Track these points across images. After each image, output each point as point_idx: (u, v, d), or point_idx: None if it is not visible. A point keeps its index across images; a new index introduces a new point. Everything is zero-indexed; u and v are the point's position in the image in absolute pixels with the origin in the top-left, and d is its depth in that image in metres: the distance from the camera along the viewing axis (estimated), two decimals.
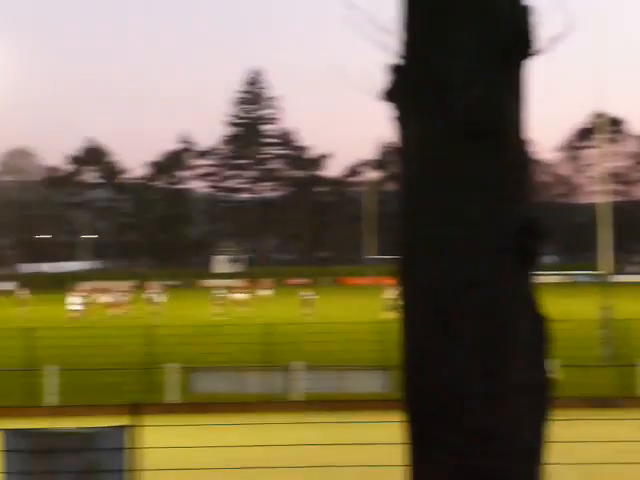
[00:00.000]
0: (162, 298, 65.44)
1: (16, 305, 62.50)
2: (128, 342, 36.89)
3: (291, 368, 27.42)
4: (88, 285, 78.61)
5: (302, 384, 27.03)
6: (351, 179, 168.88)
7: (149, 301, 62.83)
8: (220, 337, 41.49)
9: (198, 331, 45.45)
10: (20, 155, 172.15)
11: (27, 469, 13.79)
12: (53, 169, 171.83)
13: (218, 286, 66.30)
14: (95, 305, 61.28)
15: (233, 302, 63.18)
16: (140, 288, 67.11)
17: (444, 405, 4.57)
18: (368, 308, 56.37)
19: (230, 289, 66.37)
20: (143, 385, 27.27)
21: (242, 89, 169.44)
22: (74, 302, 57.97)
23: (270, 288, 76.27)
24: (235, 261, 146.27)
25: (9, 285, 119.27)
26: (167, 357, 29.73)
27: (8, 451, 13.90)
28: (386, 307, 53.53)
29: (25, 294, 63.80)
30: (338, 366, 28.70)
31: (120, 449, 13.71)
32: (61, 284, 71.71)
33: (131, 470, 13.70)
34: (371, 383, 26.96)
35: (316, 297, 64.21)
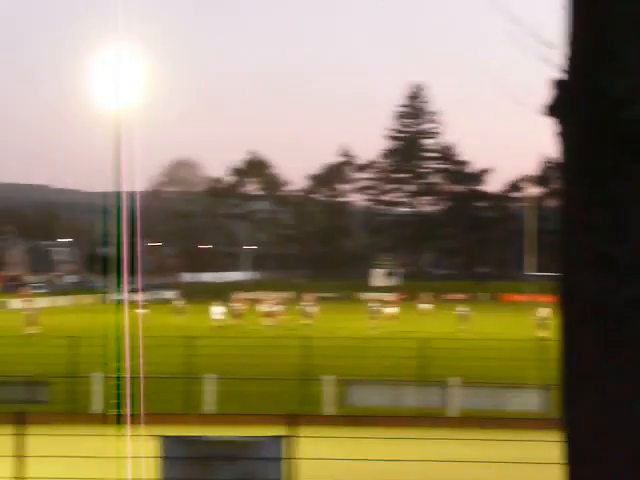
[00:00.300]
0: (315, 310, 65.85)
1: (173, 313, 63.85)
2: (284, 353, 37.27)
3: (448, 384, 27.23)
4: (245, 295, 79.73)
5: (458, 400, 26.81)
6: (512, 194, 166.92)
7: (303, 312, 63.33)
8: (376, 350, 41.55)
9: (354, 344, 45.60)
10: (184, 166, 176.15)
11: (183, 476, 14.02)
12: (216, 180, 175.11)
13: (374, 299, 66.34)
14: (249, 315, 62.05)
15: (388, 316, 63.10)
16: (296, 299, 67.56)
17: (605, 426, 4.48)
18: (526, 325, 55.54)
19: (386, 303, 66.27)
20: (299, 396, 27.48)
21: (403, 103, 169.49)
22: (218, 312, 58.85)
23: (429, 302, 76.00)
24: (392, 275, 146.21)
25: (171, 294, 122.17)
26: (323, 369, 29.88)
27: (165, 458, 14.16)
28: (544, 325, 52.64)
29: (181, 303, 65.09)
30: (495, 383, 28.39)
31: (277, 459, 13.83)
32: (220, 294, 72.77)
33: None
34: (528, 401, 26.56)
35: (472, 313, 63.62)
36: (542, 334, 48.07)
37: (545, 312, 55.48)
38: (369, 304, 62.33)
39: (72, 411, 26.99)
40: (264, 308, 62.12)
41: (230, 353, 38.91)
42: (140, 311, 62.03)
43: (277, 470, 13.83)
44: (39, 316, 54.23)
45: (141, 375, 29.63)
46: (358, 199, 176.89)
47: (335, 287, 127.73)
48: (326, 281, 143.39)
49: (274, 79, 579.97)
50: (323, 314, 72.26)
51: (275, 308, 62.95)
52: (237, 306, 61.77)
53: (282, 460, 13.87)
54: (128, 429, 18.17)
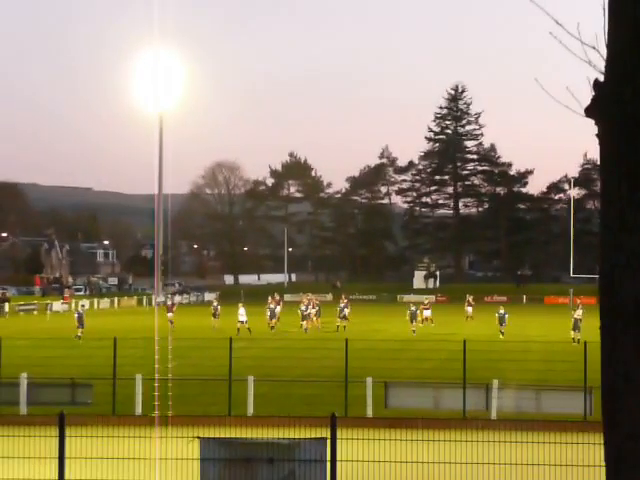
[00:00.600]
0: (350, 312, 65.89)
1: (211, 315, 63.92)
2: (322, 355, 37.27)
3: (489, 386, 27.13)
4: (282, 297, 79.79)
5: (500, 402, 26.70)
6: (553, 196, 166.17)
7: (341, 315, 63.35)
8: (415, 352, 41.44)
9: (393, 346, 45.52)
10: (225, 169, 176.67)
11: (224, 477, 14.05)
12: (256, 183, 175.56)
13: (413, 301, 66.22)
14: (286, 317, 62.07)
15: (427, 318, 62.88)
16: (333, 301, 67.56)
17: None
18: (567, 327, 55.20)
19: (425, 305, 66.09)
20: (340, 398, 27.48)
21: (444, 105, 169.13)
22: (243, 314, 58.84)
23: (469, 305, 75.72)
24: (431, 277, 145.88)
25: (210, 296, 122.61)
26: (363, 371, 29.87)
27: (205, 459, 14.21)
28: (581, 327, 52.26)
29: (216, 305, 65.08)
30: (536, 385, 28.26)
31: (318, 461, 13.83)
32: (258, 296, 72.99)
33: None
34: (569, 403, 26.38)
35: (511, 315, 63.33)
36: (583, 336, 47.75)
37: (586, 314, 55.07)
38: (408, 306, 62.12)
39: (114, 413, 27.15)
40: (301, 310, 62.07)
41: (269, 355, 38.98)
42: (171, 314, 62.26)
43: (318, 472, 13.83)
44: (84, 318, 54.50)
45: (181, 377, 29.79)
46: (399, 201, 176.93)
47: (375, 289, 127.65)
48: (366, 283, 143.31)
49: (314, 81, 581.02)
50: (360, 316, 72.18)
51: (312, 310, 62.91)
52: (273, 308, 61.72)
53: (323, 462, 13.87)
54: (168, 431, 18.26)
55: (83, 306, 63.32)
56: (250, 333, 55.11)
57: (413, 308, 60.13)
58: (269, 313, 61.49)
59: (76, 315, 55.76)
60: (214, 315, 62.99)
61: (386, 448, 17.14)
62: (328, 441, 13.92)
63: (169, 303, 66.33)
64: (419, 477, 16.51)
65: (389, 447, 16.86)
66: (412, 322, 58.62)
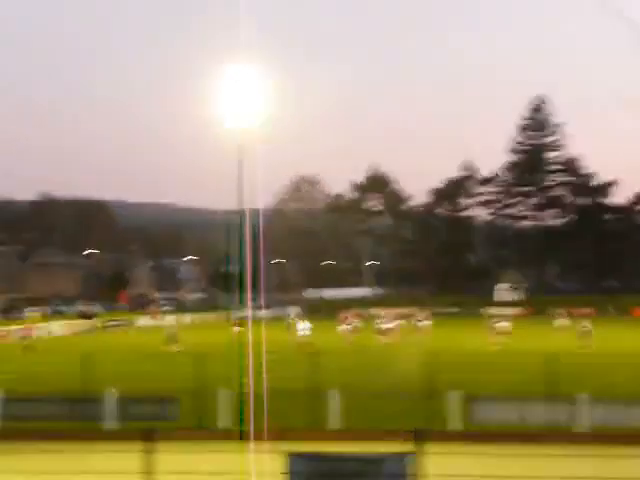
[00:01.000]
0: (429, 325, 65.61)
1: (293, 329, 64.08)
2: (407, 368, 37.11)
3: (575, 399, 26.80)
4: (362, 311, 79.82)
5: (587, 416, 26.36)
6: (639, 207, 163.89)
7: (421, 328, 63.16)
8: (499, 365, 41.16)
9: (477, 359, 45.22)
10: (306, 183, 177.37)
11: None
12: (338, 197, 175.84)
13: (496, 314, 65.62)
14: (366, 331, 62.01)
15: (509, 330, 62.11)
16: (414, 315, 67.33)
17: None
18: None
19: (508, 317, 65.22)
20: (424, 412, 27.36)
21: (527, 116, 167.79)
22: (303, 328, 58.60)
23: (555, 317, 74.86)
24: (516, 289, 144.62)
25: (294, 310, 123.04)
26: (446, 385, 29.72)
27: (291, 474, 14.22)
28: None
29: (293, 319, 65.12)
30: (624, 399, 27.85)
31: (403, 475, 13.79)
32: (340, 309, 72.99)
33: None
34: None
35: (598, 327, 62.51)
36: None
37: None
38: (490, 319, 61.54)
39: (200, 427, 27.36)
40: (381, 324, 61.92)
41: (353, 369, 38.99)
42: (237, 328, 62.73)
43: None
44: (178, 333, 54.88)
45: (266, 391, 29.91)
46: (481, 213, 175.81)
47: (457, 302, 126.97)
48: (449, 296, 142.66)
49: (394, 92, 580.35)
50: (440, 329, 71.91)
51: (392, 324, 62.77)
52: (352, 322, 61.72)
53: (408, 477, 13.82)
54: (253, 445, 18.34)
55: (175, 322, 63.53)
56: (312, 348, 54.82)
57: (495, 320, 59.70)
58: (348, 327, 61.45)
59: (170, 330, 56.17)
60: (290, 329, 63.15)
61: (472, 462, 17.03)
62: (413, 456, 13.86)
63: (257, 317, 66.57)
64: None
65: (475, 461, 16.74)
66: (494, 335, 58.17)
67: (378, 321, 62.09)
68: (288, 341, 61.08)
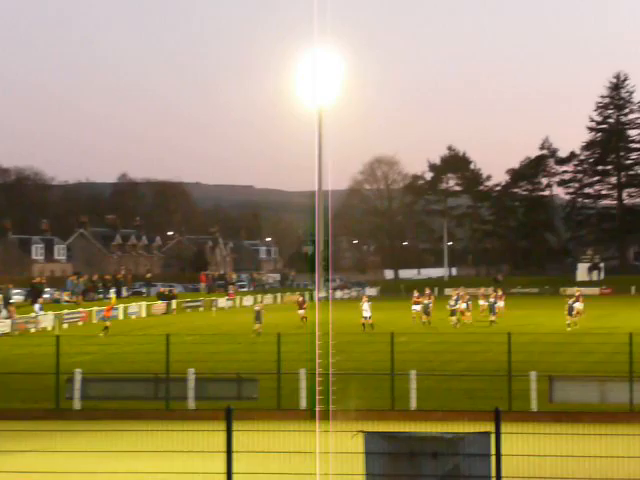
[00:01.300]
0: (503, 306, 65.15)
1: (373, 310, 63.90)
2: (484, 349, 37.04)
3: None
4: (435, 291, 79.36)
5: None
6: None
7: (491, 308, 62.73)
8: (579, 346, 40.81)
9: (556, 339, 44.87)
10: (384, 164, 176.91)
11: (388, 471, 14.13)
12: (415, 177, 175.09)
13: (574, 294, 64.82)
14: (440, 311, 61.61)
15: (579, 310, 61.00)
16: (488, 295, 66.69)
17: None
18: None
19: (583, 298, 64.04)
20: (503, 392, 27.29)
21: (606, 94, 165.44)
22: (367, 309, 58.07)
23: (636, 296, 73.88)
24: (595, 269, 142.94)
25: (371, 290, 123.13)
26: (526, 365, 29.57)
27: (369, 453, 14.30)
28: None
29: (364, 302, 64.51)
30: None
31: (482, 455, 13.78)
32: (418, 290, 72.49)
33: (493, 477, 13.77)
34: None
35: None
36: None
37: None
38: (567, 299, 60.67)
39: (279, 407, 27.59)
40: (450, 305, 61.37)
41: (429, 350, 38.95)
42: (302, 311, 62.69)
43: (483, 467, 13.78)
44: (262, 314, 54.87)
45: (343, 372, 30.01)
46: (560, 193, 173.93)
47: (537, 282, 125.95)
48: (528, 276, 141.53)
49: (472, 72, 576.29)
50: (518, 310, 71.39)
51: (461, 305, 62.27)
52: (427, 303, 61.14)
53: (487, 457, 13.82)
54: (332, 425, 18.46)
55: (261, 302, 63.01)
56: (373, 329, 54.44)
57: (570, 301, 58.97)
58: (422, 308, 61.05)
59: (255, 310, 56.08)
60: (374, 309, 62.90)
61: (551, 442, 16.99)
62: (492, 435, 13.86)
63: (300, 299, 66.51)
64: (586, 471, 16.29)
65: (555, 441, 16.71)
66: (569, 315, 57.53)
67: (451, 302, 61.64)
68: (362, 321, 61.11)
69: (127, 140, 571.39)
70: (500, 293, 67.67)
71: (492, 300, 63.14)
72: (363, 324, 56.37)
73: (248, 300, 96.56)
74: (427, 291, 64.44)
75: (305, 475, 16.32)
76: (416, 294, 63.71)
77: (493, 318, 60.73)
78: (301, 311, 62.38)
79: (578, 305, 59.28)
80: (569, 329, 54.49)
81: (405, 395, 27.95)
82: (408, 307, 64.42)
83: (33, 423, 24.65)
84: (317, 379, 22.37)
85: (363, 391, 29.02)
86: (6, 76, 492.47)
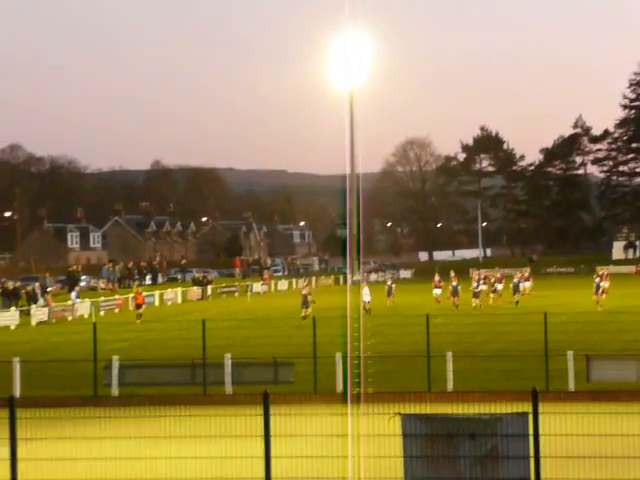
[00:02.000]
0: (530, 286, 65.04)
1: (404, 293, 63.80)
2: (520, 329, 36.87)
3: None
4: (470, 273, 79.01)
5: None
6: None
7: (524, 288, 62.58)
8: (615, 325, 40.61)
9: (592, 318, 44.65)
10: (416, 145, 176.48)
11: (426, 453, 14.13)
12: (448, 158, 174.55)
13: (610, 273, 64.28)
14: (479, 292, 61.26)
15: (604, 289, 60.15)
16: (516, 275, 66.22)
17: None
18: None
19: (600, 275, 63.17)
20: (539, 372, 27.21)
21: (639, 71, 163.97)
22: (367, 293, 57.39)
23: None
24: (631, 247, 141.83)
25: (406, 273, 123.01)
26: (562, 344, 29.47)
27: (406, 435, 14.31)
28: None
29: (390, 284, 64.23)
30: None
31: (520, 435, 13.76)
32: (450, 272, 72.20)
33: (532, 457, 13.73)
34: None
35: None
36: None
37: None
38: (596, 278, 59.87)
39: (315, 391, 27.66)
40: (479, 286, 60.95)
41: (465, 331, 38.89)
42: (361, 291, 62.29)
43: (520, 447, 13.75)
44: (309, 299, 54.34)
45: (380, 354, 30.03)
46: (595, 171, 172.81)
47: (572, 261, 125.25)
48: (563, 256, 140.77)
49: (504, 53, 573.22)
50: (553, 289, 71.08)
51: (483, 287, 61.92)
52: (455, 285, 60.69)
53: (525, 437, 13.79)
54: (369, 407, 18.47)
55: (307, 286, 61.62)
56: (369, 313, 52.79)
57: (597, 280, 58.50)
58: (451, 289, 60.55)
59: (303, 295, 55.38)
60: (389, 294, 62.50)
61: (590, 421, 16.92)
62: (530, 415, 13.83)
63: (370, 280, 66.42)
64: (625, 450, 16.22)
65: (593, 420, 16.63)
66: (596, 294, 57.12)
67: (474, 283, 61.34)
68: (396, 304, 60.96)
69: (160, 126, 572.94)
70: (527, 274, 67.42)
71: (516, 281, 62.76)
72: (364, 308, 54.09)
73: (283, 284, 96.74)
74: (452, 274, 63.71)
75: (342, 458, 16.35)
76: (437, 277, 63.24)
77: (517, 298, 60.36)
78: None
79: (604, 284, 58.81)
80: (600, 309, 54.05)
81: (442, 377, 27.94)
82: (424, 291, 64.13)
83: (71, 410, 24.80)
84: (349, 362, 22.46)
85: (400, 373, 29.04)
86: (42, 66, 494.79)
